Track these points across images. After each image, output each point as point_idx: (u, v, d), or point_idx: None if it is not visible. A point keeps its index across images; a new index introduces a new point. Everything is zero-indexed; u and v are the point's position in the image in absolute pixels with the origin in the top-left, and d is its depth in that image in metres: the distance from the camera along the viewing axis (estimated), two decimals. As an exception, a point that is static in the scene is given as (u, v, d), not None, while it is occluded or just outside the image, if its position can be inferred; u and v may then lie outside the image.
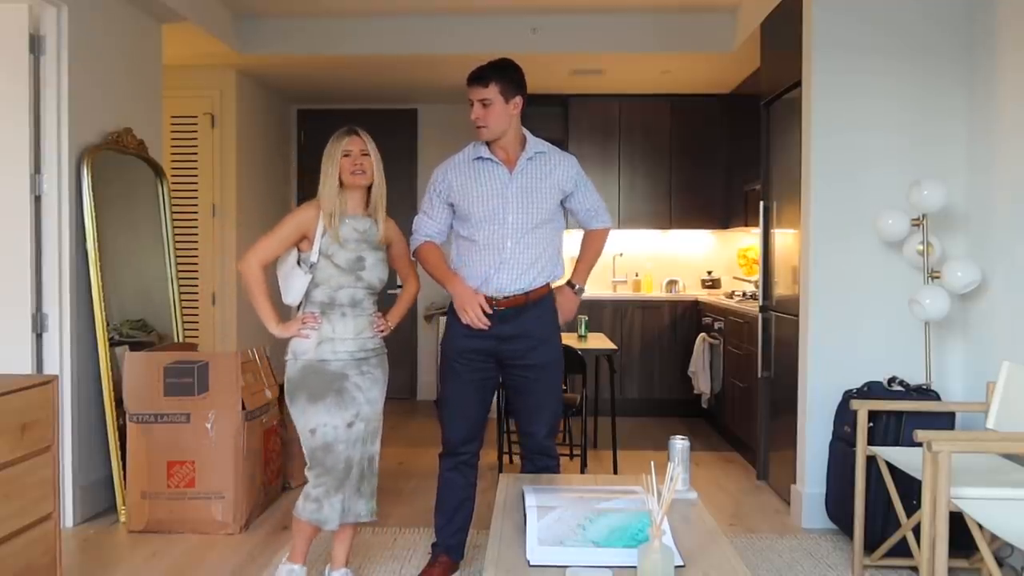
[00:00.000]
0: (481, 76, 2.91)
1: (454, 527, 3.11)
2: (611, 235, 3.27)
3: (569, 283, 3.12)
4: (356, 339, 2.78)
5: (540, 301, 2.99)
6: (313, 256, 2.74)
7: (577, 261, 3.17)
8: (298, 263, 2.78)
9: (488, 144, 2.98)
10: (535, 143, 3.01)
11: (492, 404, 3.17)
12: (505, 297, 2.93)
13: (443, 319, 6.89)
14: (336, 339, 2.75)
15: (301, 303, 2.83)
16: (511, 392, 3.09)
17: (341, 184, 2.76)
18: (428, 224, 3.04)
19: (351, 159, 2.75)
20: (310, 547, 2.94)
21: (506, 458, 4.51)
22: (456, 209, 3.00)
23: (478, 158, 2.98)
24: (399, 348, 6.85)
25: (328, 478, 2.75)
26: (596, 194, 3.15)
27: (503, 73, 2.92)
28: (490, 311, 2.92)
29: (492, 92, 2.89)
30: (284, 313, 2.82)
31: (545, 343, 3.01)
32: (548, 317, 3.03)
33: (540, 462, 3.07)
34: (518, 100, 2.95)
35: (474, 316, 2.90)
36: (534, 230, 2.94)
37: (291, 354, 2.78)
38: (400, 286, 3.13)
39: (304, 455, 2.80)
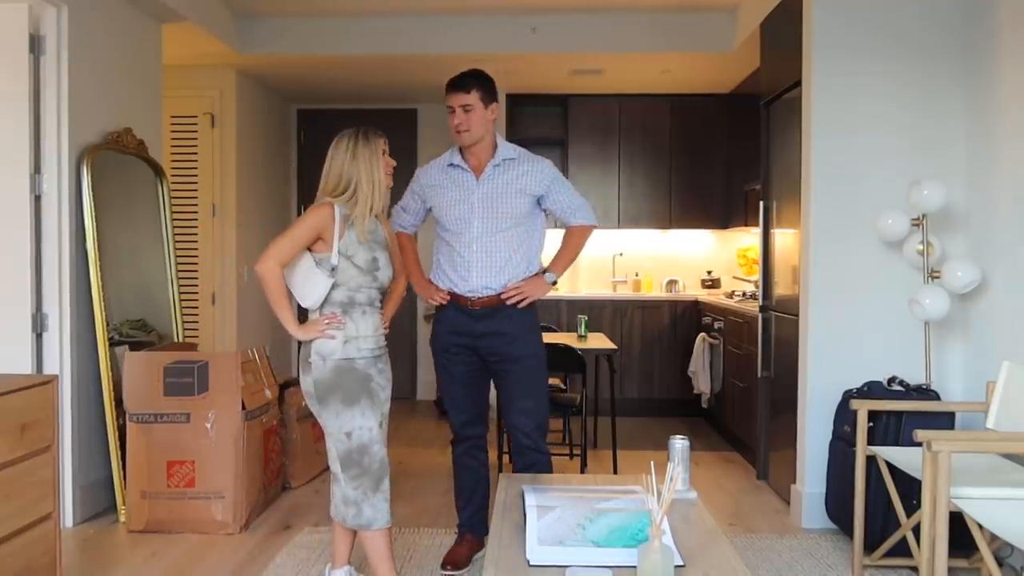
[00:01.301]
0: (464, 83, 3.07)
1: (474, 507, 3.31)
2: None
3: (544, 270, 3.20)
4: (374, 335, 2.80)
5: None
6: (333, 259, 2.72)
7: (556, 254, 3.25)
8: (316, 265, 2.75)
9: (462, 151, 3.15)
10: (505, 149, 3.15)
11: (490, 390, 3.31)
12: (479, 298, 3.10)
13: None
14: (360, 337, 2.75)
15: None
16: (496, 387, 3.23)
17: None
18: (404, 217, 3.31)
19: (386, 159, 2.80)
20: (351, 549, 2.95)
21: (506, 458, 4.50)
22: (433, 211, 3.21)
23: (450, 164, 3.16)
24: (399, 348, 6.85)
25: (366, 479, 2.74)
26: (574, 194, 3.24)
27: (482, 81, 3.09)
28: (447, 300, 3.13)
29: (473, 98, 3.05)
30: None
31: (521, 338, 3.13)
32: (521, 316, 3.14)
33: (529, 457, 3.16)
34: (494, 107, 3.13)
35: (439, 298, 3.15)
36: (500, 234, 3.09)
37: (317, 355, 2.74)
38: None
39: (332, 456, 2.78)
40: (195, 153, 6.04)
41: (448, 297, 3.14)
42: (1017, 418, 2.90)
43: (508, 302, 3.09)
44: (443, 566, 3.21)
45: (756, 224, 4.61)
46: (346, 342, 2.73)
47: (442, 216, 3.14)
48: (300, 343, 2.80)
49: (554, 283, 3.21)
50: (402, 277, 3.08)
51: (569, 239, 3.27)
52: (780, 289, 4.35)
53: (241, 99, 6.14)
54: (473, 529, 3.30)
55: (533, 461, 3.15)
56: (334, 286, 2.74)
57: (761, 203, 4.50)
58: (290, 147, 7.31)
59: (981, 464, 2.93)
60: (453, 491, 3.36)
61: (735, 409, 5.30)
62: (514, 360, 3.12)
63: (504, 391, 3.18)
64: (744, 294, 6.00)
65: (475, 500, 3.31)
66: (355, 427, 2.73)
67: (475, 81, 3.07)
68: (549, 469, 3.19)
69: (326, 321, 2.72)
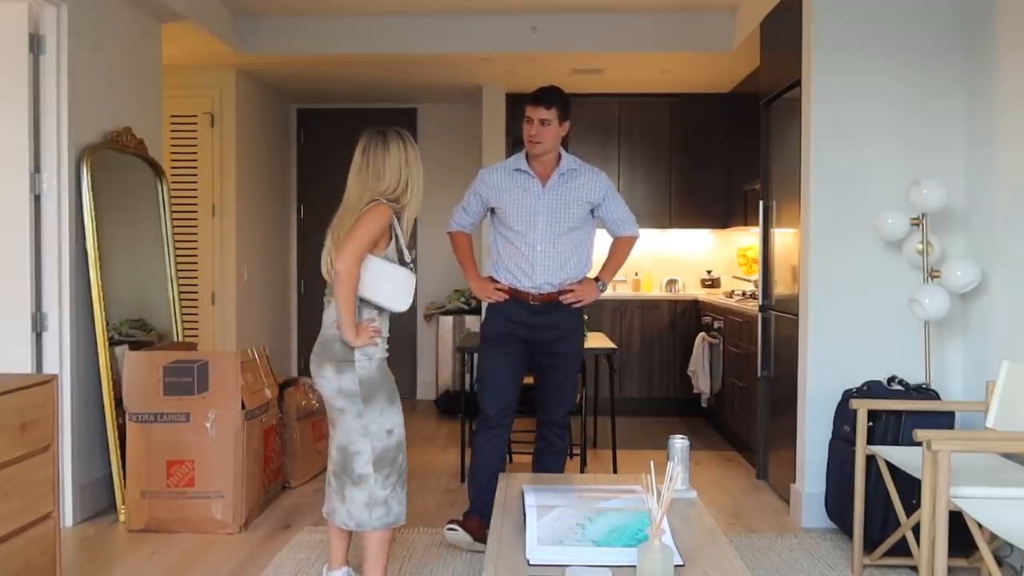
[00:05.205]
0: (547, 99, 3.31)
1: (488, 496, 3.36)
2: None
3: (596, 278, 3.50)
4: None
5: None
6: (406, 256, 2.80)
7: (604, 262, 3.57)
8: (398, 264, 2.77)
9: (528, 158, 3.38)
10: (568, 160, 3.41)
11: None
12: (540, 293, 3.37)
13: (443, 319, 6.99)
14: (384, 338, 2.82)
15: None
16: (537, 373, 3.48)
17: None
18: (464, 217, 3.56)
19: None
20: (348, 550, 2.95)
21: (506, 457, 4.50)
22: (495, 211, 3.44)
23: (517, 169, 3.39)
24: (399, 348, 6.85)
25: (395, 476, 2.81)
26: (624, 206, 3.54)
27: (563, 100, 3.36)
28: (507, 297, 3.37)
29: (552, 114, 3.31)
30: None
31: (570, 334, 3.46)
32: (573, 315, 3.46)
33: (552, 433, 3.51)
34: (567, 124, 3.40)
35: (496, 297, 3.40)
36: (562, 237, 3.35)
37: (363, 355, 2.72)
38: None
39: (365, 458, 2.74)
40: (195, 153, 6.04)
41: (507, 296, 3.38)
42: (1017, 418, 2.90)
43: (564, 302, 3.37)
44: (449, 521, 3.36)
45: (756, 224, 4.62)
46: (381, 342, 2.81)
47: (508, 218, 3.37)
48: (319, 342, 2.78)
49: (603, 289, 3.53)
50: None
51: (616, 249, 3.58)
52: (780, 289, 4.35)
53: (241, 99, 6.14)
54: (483, 515, 3.33)
55: (557, 437, 3.51)
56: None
57: (761, 203, 4.51)
58: (290, 147, 7.30)
59: (981, 464, 2.93)
60: (468, 476, 3.51)
61: (735, 409, 5.30)
62: (563, 355, 3.43)
63: (548, 381, 3.47)
64: (744, 294, 6.00)
65: (490, 489, 3.35)
66: (395, 424, 2.79)
67: (556, 99, 3.32)
68: (566, 446, 3.57)
69: (373, 329, 2.73)
